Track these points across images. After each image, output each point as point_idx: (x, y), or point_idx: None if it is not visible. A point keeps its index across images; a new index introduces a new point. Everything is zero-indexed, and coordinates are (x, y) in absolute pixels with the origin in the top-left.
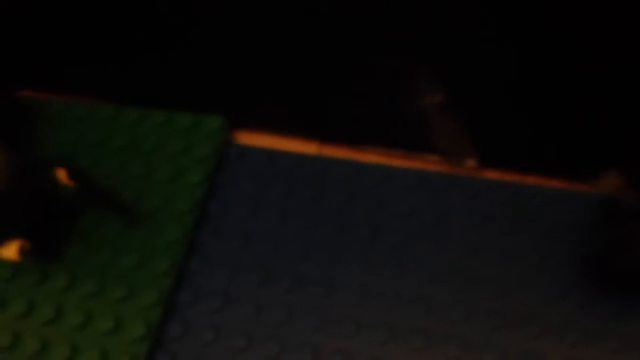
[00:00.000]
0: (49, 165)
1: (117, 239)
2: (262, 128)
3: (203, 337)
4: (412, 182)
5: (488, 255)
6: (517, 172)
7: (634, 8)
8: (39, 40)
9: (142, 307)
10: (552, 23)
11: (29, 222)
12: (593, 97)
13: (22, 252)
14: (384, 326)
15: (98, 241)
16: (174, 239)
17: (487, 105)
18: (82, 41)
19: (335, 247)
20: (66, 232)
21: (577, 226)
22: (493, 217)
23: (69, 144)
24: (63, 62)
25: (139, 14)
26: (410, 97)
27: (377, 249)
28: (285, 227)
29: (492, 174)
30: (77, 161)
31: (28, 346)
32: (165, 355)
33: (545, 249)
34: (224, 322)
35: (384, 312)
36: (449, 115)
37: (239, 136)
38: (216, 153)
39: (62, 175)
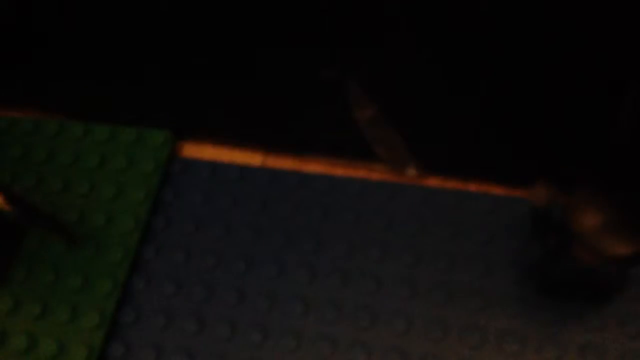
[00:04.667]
0: None
1: (61, 260)
2: (206, 139)
3: (145, 358)
4: (356, 191)
5: (431, 264)
6: (459, 179)
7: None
8: None
9: (86, 329)
10: (477, 28)
11: None
12: (527, 104)
13: None
14: (327, 339)
15: (41, 263)
16: (117, 258)
17: (425, 114)
18: (26, 55)
19: (280, 259)
20: (9, 255)
21: (518, 233)
22: (436, 224)
23: (14, 161)
24: (7, 76)
25: (81, 27)
26: (347, 110)
27: (322, 259)
28: (230, 240)
29: (434, 182)
30: (21, 179)
31: None
32: None
33: (487, 255)
34: (167, 341)
35: (327, 324)
36: (384, 128)
37: (183, 148)
38: (160, 168)
39: None
